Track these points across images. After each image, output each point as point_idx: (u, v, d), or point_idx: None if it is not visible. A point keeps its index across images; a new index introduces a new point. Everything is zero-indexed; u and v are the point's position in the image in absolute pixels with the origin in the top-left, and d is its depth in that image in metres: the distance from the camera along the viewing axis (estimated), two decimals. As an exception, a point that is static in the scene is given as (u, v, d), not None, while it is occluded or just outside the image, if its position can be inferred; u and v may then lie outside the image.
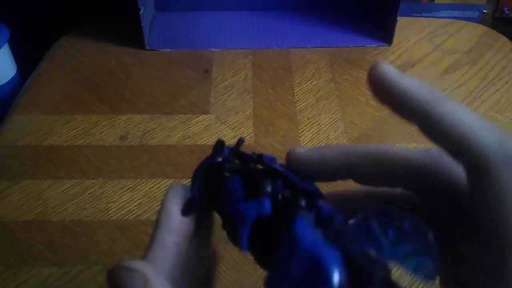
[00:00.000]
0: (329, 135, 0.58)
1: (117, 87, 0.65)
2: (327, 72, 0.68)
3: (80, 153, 0.56)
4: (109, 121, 0.60)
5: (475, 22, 0.80)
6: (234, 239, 0.25)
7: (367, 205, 0.28)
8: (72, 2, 0.82)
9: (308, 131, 0.59)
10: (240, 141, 0.26)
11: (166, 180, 0.53)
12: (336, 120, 0.61)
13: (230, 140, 0.57)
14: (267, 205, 0.23)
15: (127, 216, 0.50)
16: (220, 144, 0.26)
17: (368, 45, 0.73)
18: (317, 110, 0.62)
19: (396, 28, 0.71)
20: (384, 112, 0.61)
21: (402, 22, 0.77)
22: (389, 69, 0.24)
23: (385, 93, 0.24)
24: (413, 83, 0.23)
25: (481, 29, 0.77)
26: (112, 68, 0.69)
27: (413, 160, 0.26)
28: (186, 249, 0.25)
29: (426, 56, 0.71)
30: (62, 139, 0.58)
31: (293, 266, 0.20)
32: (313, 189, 0.26)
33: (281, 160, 0.27)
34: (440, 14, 0.83)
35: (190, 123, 0.60)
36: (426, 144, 0.58)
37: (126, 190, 0.52)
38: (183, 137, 0.58)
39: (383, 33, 0.74)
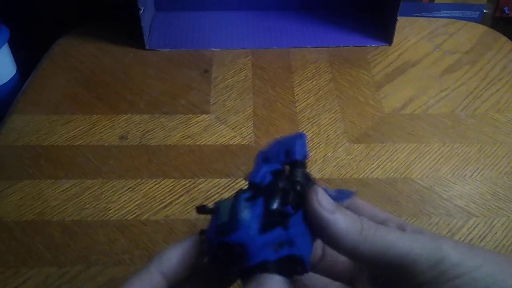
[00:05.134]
0: (329, 135, 0.58)
1: (117, 87, 0.65)
2: (327, 72, 0.68)
3: (80, 153, 0.56)
4: (109, 121, 0.60)
5: (475, 22, 0.80)
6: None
7: None
8: (72, 2, 0.82)
9: (308, 131, 0.59)
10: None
11: (166, 180, 0.53)
12: (336, 120, 0.60)
13: (229, 140, 0.57)
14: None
15: (126, 216, 0.50)
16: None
17: (368, 45, 0.73)
18: (317, 110, 0.62)
19: (396, 28, 0.71)
20: (384, 112, 0.61)
21: (402, 22, 0.77)
22: (323, 204, 0.26)
23: (318, 229, 0.26)
24: (344, 224, 0.26)
25: (481, 29, 0.77)
26: (112, 68, 0.69)
27: None
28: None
29: (426, 56, 0.71)
30: (61, 139, 0.58)
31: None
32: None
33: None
34: (440, 14, 0.83)
35: (190, 123, 0.60)
36: (426, 144, 0.58)
37: (126, 190, 0.52)
38: (183, 137, 0.58)
39: (383, 33, 0.74)
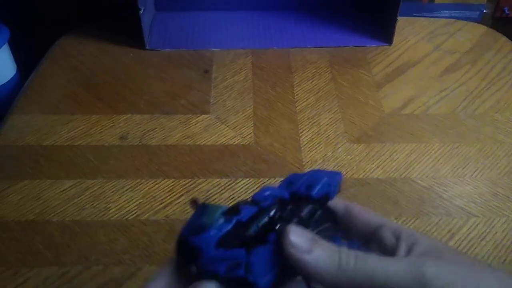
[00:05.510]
0: (329, 135, 0.58)
1: (117, 87, 0.65)
2: (327, 72, 0.68)
3: (80, 153, 0.56)
4: (109, 121, 0.60)
5: (475, 22, 0.80)
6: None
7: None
8: (72, 2, 0.82)
9: (308, 131, 0.59)
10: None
11: (166, 180, 0.53)
12: (336, 120, 0.60)
13: (229, 140, 0.57)
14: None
15: (127, 216, 0.50)
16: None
17: (368, 45, 0.73)
18: (317, 110, 0.62)
19: (396, 28, 0.71)
20: (384, 112, 0.61)
21: (402, 22, 0.77)
22: (295, 244, 0.26)
23: (296, 269, 0.26)
24: (321, 262, 0.26)
25: (481, 29, 0.77)
26: (112, 68, 0.69)
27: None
28: None
29: (426, 56, 0.71)
30: (62, 139, 0.58)
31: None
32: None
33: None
34: (440, 14, 0.83)
35: (190, 123, 0.60)
36: (426, 144, 0.58)
37: (126, 190, 0.52)
38: (183, 137, 0.58)
39: (383, 33, 0.74)
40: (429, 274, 0.25)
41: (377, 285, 0.25)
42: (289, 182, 0.31)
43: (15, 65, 0.75)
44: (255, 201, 0.28)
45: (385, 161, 0.55)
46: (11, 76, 0.74)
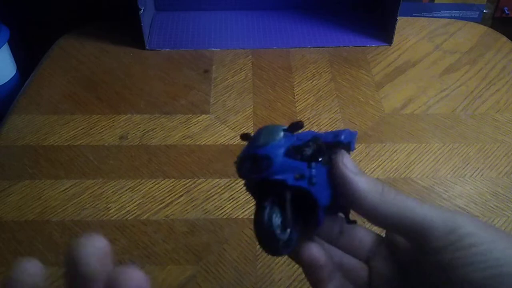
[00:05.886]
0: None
1: (117, 87, 0.65)
2: (327, 72, 0.68)
3: (80, 153, 0.56)
4: (109, 121, 0.60)
5: (475, 22, 0.80)
6: None
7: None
8: (72, 2, 0.82)
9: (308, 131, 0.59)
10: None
11: (166, 180, 0.53)
12: (336, 120, 0.60)
13: (229, 140, 0.57)
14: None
15: (127, 216, 0.50)
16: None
17: (368, 45, 0.73)
18: (317, 110, 0.62)
19: (396, 28, 0.71)
20: (384, 112, 0.61)
21: (402, 22, 0.77)
22: (348, 165, 0.28)
23: (343, 191, 0.28)
24: (366, 185, 0.28)
25: (481, 29, 0.77)
26: (112, 68, 0.69)
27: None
28: None
29: (426, 56, 0.71)
30: (61, 139, 0.58)
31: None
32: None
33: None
34: (440, 14, 0.83)
35: (190, 123, 0.60)
36: (426, 144, 0.58)
37: (126, 190, 0.52)
38: (183, 137, 0.58)
39: (383, 33, 0.74)
40: (462, 219, 0.26)
41: (413, 219, 0.26)
42: (319, 135, 0.32)
43: (15, 65, 0.75)
44: (298, 137, 0.30)
45: (385, 161, 0.55)
46: (11, 76, 0.74)
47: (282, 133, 0.28)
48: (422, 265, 0.28)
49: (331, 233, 0.31)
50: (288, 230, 0.28)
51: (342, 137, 0.31)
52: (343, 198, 0.29)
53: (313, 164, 0.28)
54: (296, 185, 0.27)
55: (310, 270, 0.30)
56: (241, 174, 0.29)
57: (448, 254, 0.25)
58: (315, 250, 0.29)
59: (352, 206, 0.29)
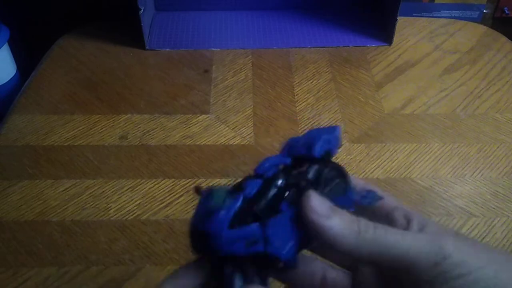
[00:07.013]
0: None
1: (117, 87, 0.65)
2: (327, 72, 0.68)
3: (80, 153, 0.56)
4: (109, 121, 0.60)
5: (475, 22, 0.80)
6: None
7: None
8: (72, 2, 0.82)
9: (308, 131, 0.59)
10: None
11: (166, 180, 0.53)
12: (336, 120, 0.60)
13: (229, 140, 0.57)
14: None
15: (127, 216, 0.50)
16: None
17: (368, 45, 0.73)
18: (317, 110, 0.62)
19: (396, 28, 0.71)
20: (384, 112, 0.61)
21: (402, 22, 0.77)
22: (317, 209, 0.26)
23: (314, 235, 0.26)
24: (340, 229, 0.26)
25: (481, 29, 0.77)
26: (112, 68, 0.69)
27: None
28: None
29: (426, 56, 0.71)
30: (61, 139, 0.58)
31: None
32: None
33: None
34: (440, 14, 0.83)
35: (190, 123, 0.60)
36: (426, 144, 0.58)
37: (126, 190, 0.52)
38: (183, 137, 0.58)
39: (383, 33, 0.74)
40: (447, 248, 0.25)
41: (395, 255, 0.25)
42: (289, 147, 0.30)
43: (15, 65, 0.75)
44: (258, 174, 0.28)
45: (385, 161, 0.55)
46: (11, 76, 0.74)
47: (227, 200, 0.26)
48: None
49: (316, 246, 0.30)
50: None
51: (315, 150, 0.28)
52: (317, 240, 0.27)
53: (269, 220, 0.26)
54: (249, 252, 0.25)
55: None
56: (194, 252, 0.27)
57: (435, 287, 0.24)
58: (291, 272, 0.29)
59: (329, 248, 0.27)
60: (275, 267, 0.26)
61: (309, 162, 0.28)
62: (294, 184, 0.27)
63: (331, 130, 0.30)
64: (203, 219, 0.26)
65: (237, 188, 0.27)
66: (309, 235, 0.26)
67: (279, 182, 0.27)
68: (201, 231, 0.26)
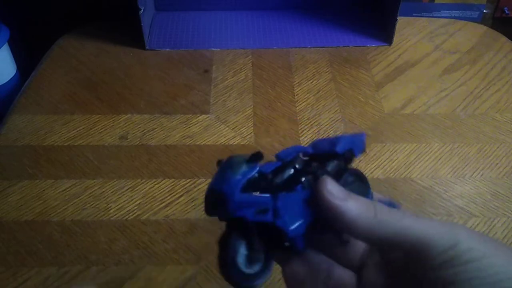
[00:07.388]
0: (329, 135, 0.58)
1: (117, 87, 0.65)
2: (327, 72, 0.68)
3: (80, 153, 0.56)
4: (109, 121, 0.60)
5: (475, 22, 0.80)
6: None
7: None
8: (72, 2, 0.82)
9: (308, 131, 0.59)
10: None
11: (166, 180, 0.53)
12: (336, 120, 0.60)
13: (230, 140, 0.57)
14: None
15: (127, 216, 0.50)
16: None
17: (368, 45, 0.73)
18: (317, 110, 0.62)
19: (396, 28, 0.71)
20: (384, 112, 0.61)
21: (402, 22, 0.77)
22: (334, 192, 0.26)
23: (332, 219, 0.26)
24: (357, 210, 0.26)
25: (481, 29, 0.77)
26: (112, 68, 0.69)
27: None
28: None
29: (426, 56, 0.71)
30: (61, 139, 0.58)
31: None
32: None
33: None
34: (440, 14, 0.83)
35: (190, 123, 0.60)
36: (426, 144, 0.58)
37: (126, 190, 0.52)
38: (183, 137, 0.58)
39: (383, 33, 0.74)
40: (461, 234, 0.25)
41: (412, 236, 0.25)
42: (314, 143, 0.31)
43: (15, 65, 0.75)
44: (278, 157, 0.29)
45: (385, 161, 0.55)
46: (11, 76, 0.74)
47: (244, 166, 0.27)
48: (419, 280, 0.27)
49: (324, 245, 0.31)
50: (258, 263, 0.27)
51: (338, 146, 0.29)
52: (333, 223, 0.27)
53: (282, 194, 0.27)
54: (257, 220, 0.26)
55: (291, 286, 0.29)
56: (206, 213, 0.28)
57: (448, 270, 0.25)
58: (295, 266, 0.29)
59: (345, 232, 0.27)
60: (281, 245, 0.27)
61: (331, 157, 0.29)
62: (312, 172, 0.28)
63: (358, 134, 0.32)
64: (219, 181, 0.27)
65: (255, 157, 0.27)
66: (321, 221, 0.27)
67: (297, 165, 0.28)
68: (215, 190, 0.26)
